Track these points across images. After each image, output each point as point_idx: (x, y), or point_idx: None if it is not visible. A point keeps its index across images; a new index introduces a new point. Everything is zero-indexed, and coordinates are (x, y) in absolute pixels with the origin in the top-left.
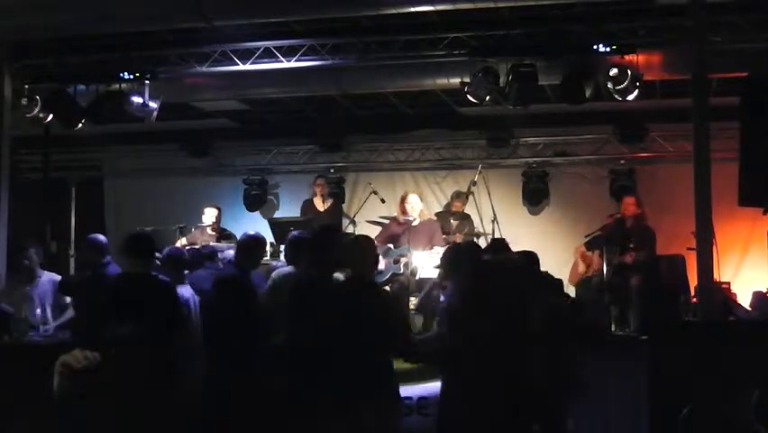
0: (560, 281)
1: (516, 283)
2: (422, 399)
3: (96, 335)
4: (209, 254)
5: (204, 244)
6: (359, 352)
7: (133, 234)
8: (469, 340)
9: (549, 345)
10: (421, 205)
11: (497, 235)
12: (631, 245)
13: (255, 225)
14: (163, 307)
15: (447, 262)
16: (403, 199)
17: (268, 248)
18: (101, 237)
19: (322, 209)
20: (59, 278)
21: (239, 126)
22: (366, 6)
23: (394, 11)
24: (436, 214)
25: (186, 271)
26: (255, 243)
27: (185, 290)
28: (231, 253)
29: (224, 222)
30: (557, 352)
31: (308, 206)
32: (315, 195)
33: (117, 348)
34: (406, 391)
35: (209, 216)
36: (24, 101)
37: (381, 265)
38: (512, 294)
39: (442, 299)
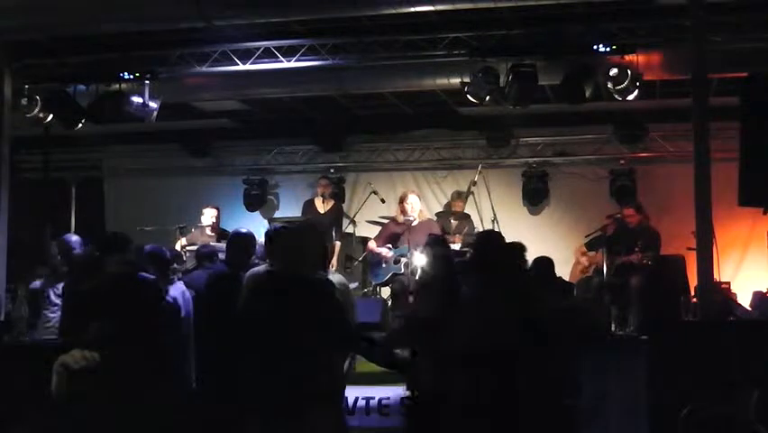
0: (570, 285)
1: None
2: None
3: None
4: (208, 254)
5: (202, 243)
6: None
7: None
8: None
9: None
10: (420, 205)
11: None
12: (637, 248)
13: (255, 225)
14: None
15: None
16: (402, 200)
17: None
18: (72, 238)
19: (322, 210)
20: None
21: (239, 126)
22: (366, 6)
23: (394, 11)
24: (436, 214)
25: (175, 270)
26: (241, 239)
27: (173, 289)
28: None
29: (224, 222)
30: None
31: (309, 206)
32: (317, 195)
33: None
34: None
35: (208, 216)
36: (24, 101)
37: (390, 254)
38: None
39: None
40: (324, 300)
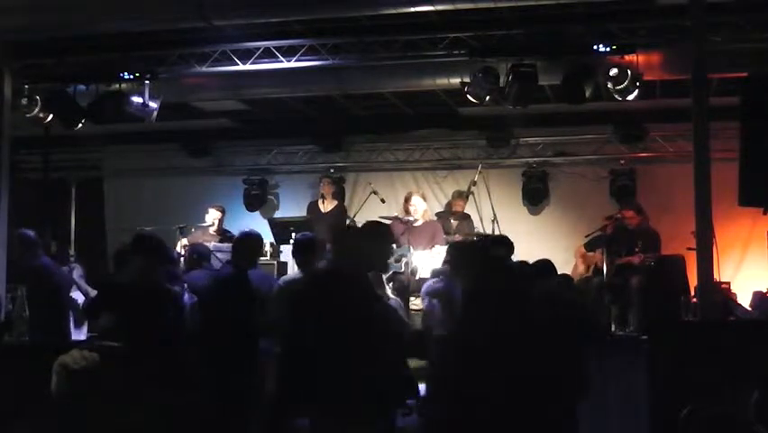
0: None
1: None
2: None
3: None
4: (207, 254)
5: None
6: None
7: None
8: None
9: (558, 347)
10: (425, 206)
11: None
12: (637, 249)
13: (255, 225)
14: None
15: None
16: (407, 200)
17: (267, 248)
18: (30, 232)
19: (324, 211)
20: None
21: (239, 126)
22: (366, 6)
23: (394, 11)
24: (436, 214)
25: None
26: (249, 240)
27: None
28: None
29: (225, 222)
30: (567, 354)
31: (313, 207)
32: (320, 195)
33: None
34: None
35: (211, 217)
36: (24, 101)
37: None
38: (523, 297)
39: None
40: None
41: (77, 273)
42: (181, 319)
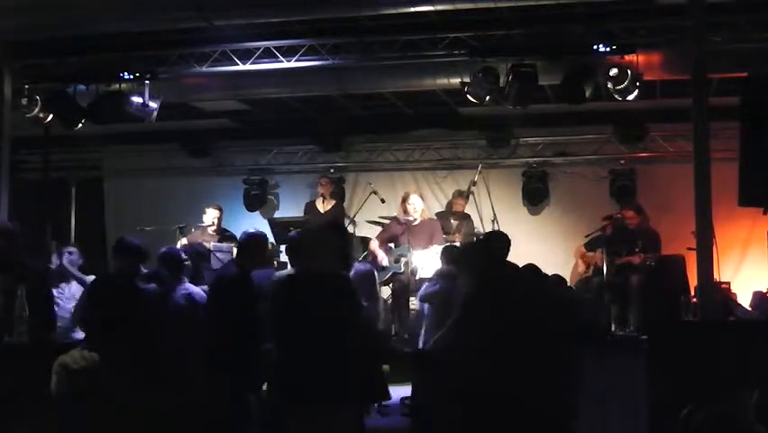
0: (561, 278)
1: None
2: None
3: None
4: (205, 254)
5: (198, 243)
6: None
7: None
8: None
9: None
10: (422, 204)
11: None
12: (637, 249)
13: (255, 225)
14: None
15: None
16: (404, 199)
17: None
18: (10, 224)
19: (323, 210)
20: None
21: (239, 126)
22: (366, 6)
23: (394, 11)
24: (436, 214)
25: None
26: (255, 241)
27: (183, 289)
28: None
29: (224, 222)
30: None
31: (311, 207)
32: (318, 195)
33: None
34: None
35: (210, 216)
36: (24, 101)
37: (385, 262)
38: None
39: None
40: (345, 299)
41: (69, 258)
42: (168, 318)
